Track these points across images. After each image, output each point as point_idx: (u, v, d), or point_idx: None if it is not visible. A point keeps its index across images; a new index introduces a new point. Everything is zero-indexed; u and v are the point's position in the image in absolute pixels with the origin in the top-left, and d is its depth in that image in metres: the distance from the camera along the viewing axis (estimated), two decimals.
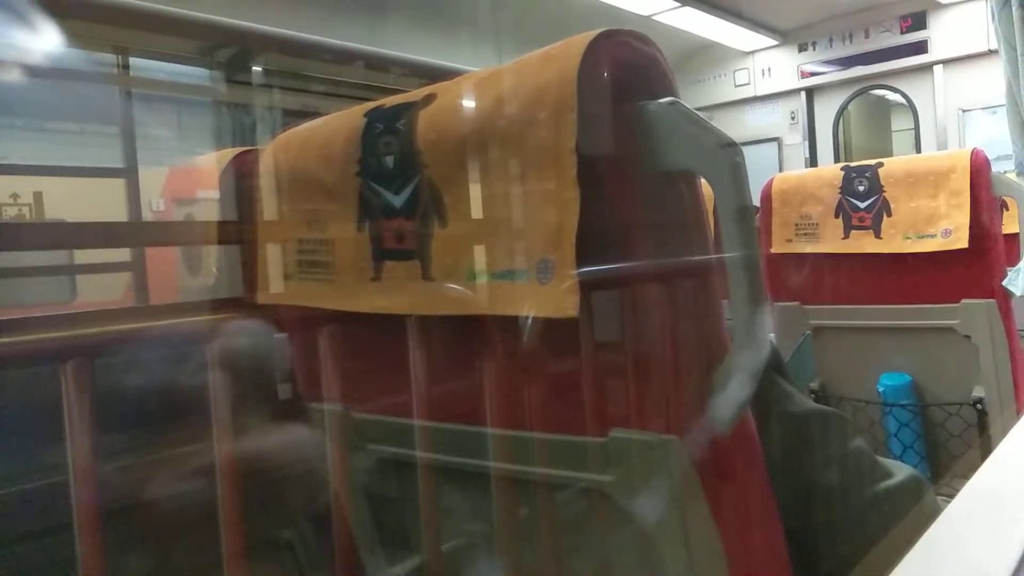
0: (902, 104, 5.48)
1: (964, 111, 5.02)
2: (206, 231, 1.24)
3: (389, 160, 0.80)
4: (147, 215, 1.65)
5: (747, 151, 0.64)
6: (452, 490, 0.88)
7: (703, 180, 0.69)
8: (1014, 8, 1.42)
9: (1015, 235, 1.98)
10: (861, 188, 1.94)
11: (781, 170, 4.92)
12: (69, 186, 1.99)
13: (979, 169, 1.81)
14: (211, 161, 1.32)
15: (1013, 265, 1.82)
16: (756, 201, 2.08)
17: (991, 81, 4.50)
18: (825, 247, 2.01)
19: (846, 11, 5.35)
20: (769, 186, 2.10)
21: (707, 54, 5.89)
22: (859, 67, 5.42)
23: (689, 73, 5.98)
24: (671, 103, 0.67)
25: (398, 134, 0.79)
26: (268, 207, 0.98)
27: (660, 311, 0.70)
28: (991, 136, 4.56)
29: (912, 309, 1.94)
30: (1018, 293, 1.77)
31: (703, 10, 4.89)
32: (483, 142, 0.73)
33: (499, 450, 0.78)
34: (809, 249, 2.03)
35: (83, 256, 1.68)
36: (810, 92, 5.76)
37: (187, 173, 1.66)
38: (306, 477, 1.04)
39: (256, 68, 2.42)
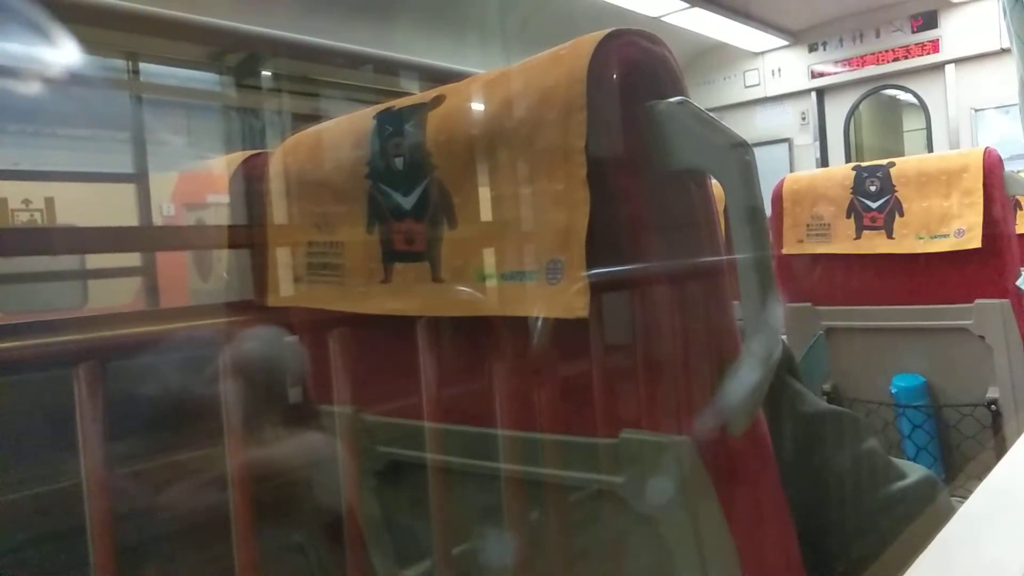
0: (914, 104, 5.46)
1: (976, 110, 4.99)
2: (216, 235, 1.24)
3: (399, 162, 0.80)
4: (157, 220, 1.65)
5: (757, 152, 0.64)
6: (464, 492, 0.88)
7: (714, 180, 0.69)
8: None
9: None
10: (873, 188, 1.93)
11: (792, 171, 4.90)
12: (80, 192, 2.00)
13: (992, 168, 1.80)
14: (221, 165, 1.32)
15: None
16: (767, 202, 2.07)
17: (1004, 80, 4.48)
18: (837, 248, 2.00)
19: (856, 11, 5.33)
20: (780, 186, 2.09)
21: (716, 55, 5.87)
22: (870, 67, 5.40)
23: (698, 74, 5.97)
24: (681, 102, 0.67)
25: (407, 136, 0.79)
26: (278, 210, 0.99)
27: (671, 312, 0.69)
28: (1004, 135, 4.53)
29: (925, 310, 1.93)
30: None
31: (712, 11, 4.89)
32: (492, 143, 0.73)
33: (509, 452, 0.78)
34: (821, 250, 2.02)
35: (93, 261, 1.69)
36: (821, 92, 5.73)
37: (197, 177, 1.67)
38: (318, 480, 1.04)
39: (265, 72, 2.43)
